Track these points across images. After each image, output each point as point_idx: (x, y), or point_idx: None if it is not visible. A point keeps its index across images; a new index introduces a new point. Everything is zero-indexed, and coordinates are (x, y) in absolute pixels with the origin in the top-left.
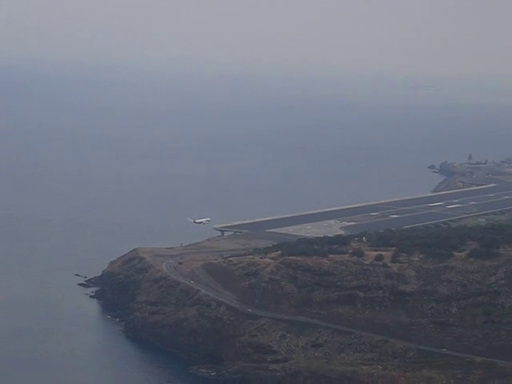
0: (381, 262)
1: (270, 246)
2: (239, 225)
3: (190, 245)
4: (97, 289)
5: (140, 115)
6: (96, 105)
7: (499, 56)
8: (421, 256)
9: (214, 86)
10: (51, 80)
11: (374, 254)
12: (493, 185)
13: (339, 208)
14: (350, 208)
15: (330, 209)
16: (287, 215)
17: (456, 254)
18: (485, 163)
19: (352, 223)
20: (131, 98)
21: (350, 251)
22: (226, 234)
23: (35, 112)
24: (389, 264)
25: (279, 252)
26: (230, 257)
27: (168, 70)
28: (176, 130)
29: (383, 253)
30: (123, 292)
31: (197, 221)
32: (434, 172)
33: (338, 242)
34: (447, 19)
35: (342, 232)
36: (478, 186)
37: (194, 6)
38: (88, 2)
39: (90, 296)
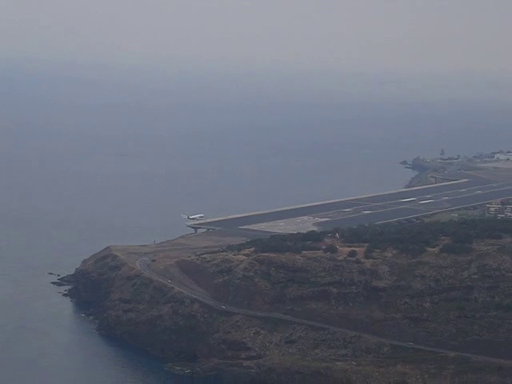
0: (354, 258)
1: (244, 242)
2: (212, 222)
3: (163, 242)
4: (70, 287)
5: (113, 112)
6: (70, 102)
7: (475, 53)
8: (394, 251)
9: (189, 83)
10: (37, 78)
11: (348, 249)
12: (465, 180)
13: (312, 204)
14: (323, 204)
15: (303, 205)
16: (260, 212)
17: (429, 249)
18: (457, 158)
19: (325, 219)
20: (108, 95)
21: (324, 247)
22: (199, 231)
23: (21, 110)
24: (362, 260)
25: (252, 249)
26: (203, 254)
27: (147, 65)
28: (149, 126)
29: (356, 249)
30: (96, 290)
31: (191, 217)
32: (406, 168)
33: (311, 238)
34: (425, 16)
35: (315, 228)
36: (451, 181)
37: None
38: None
39: (64, 294)
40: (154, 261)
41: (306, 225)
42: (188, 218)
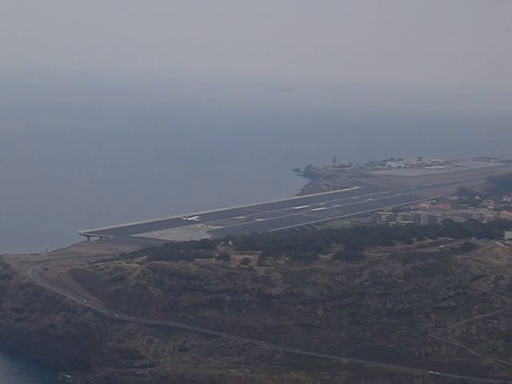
0: (247, 266)
1: (136, 250)
2: (105, 230)
3: (55, 250)
4: None
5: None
6: None
7: (381, 62)
8: (287, 259)
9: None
10: None
11: (241, 257)
12: (357, 187)
13: (205, 212)
14: (216, 212)
15: (196, 213)
16: (153, 220)
17: (321, 256)
18: (349, 166)
19: (218, 227)
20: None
21: (217, 255)
22: (91, 239)
23: None
24: (255, 267)
25: (145, 257)
26: (96, 262)
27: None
28: (36, 131)
29: (249, 256)
30: None
31: (189, 218)
32: (298, 175)
33: (205, 246)
34: (331, 27)
35: (208, 236)
36: (343, 188)
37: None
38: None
39: None
40: (46, 269)
41: (199, 232)
42: (187, 219)
